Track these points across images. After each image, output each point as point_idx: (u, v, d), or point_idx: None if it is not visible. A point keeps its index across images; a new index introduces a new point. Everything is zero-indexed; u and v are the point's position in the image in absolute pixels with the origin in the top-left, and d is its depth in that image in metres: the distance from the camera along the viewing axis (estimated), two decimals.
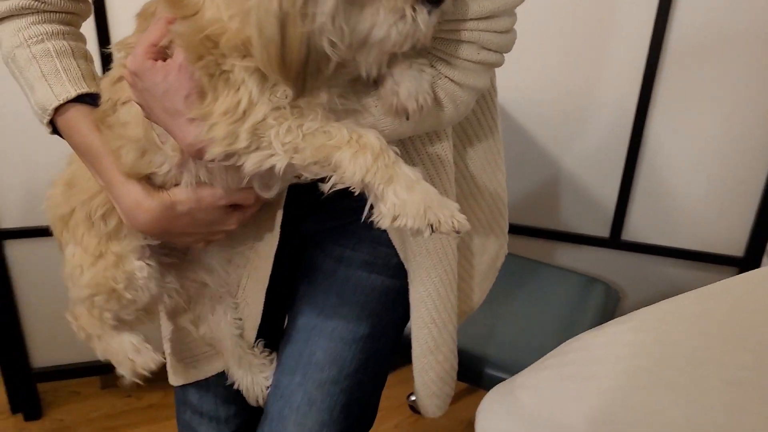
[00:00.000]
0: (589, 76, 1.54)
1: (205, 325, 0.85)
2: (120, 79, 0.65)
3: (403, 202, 0.56)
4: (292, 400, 0.79)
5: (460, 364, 0.90)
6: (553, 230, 1.70)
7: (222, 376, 0.87)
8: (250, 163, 0.58)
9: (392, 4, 0.52)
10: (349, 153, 0.56)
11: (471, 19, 0.60)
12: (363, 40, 0.54)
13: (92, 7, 0.75)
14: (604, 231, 1.66)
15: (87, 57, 0.72)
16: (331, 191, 0.58)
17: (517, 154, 1.62)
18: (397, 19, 0.53)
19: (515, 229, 1.66)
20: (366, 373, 0.81)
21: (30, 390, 1.60)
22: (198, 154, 0.59)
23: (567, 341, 0.83)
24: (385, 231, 0.74)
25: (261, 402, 0.88)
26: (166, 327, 0.89)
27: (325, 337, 0.79)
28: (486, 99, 0.77)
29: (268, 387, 0.86)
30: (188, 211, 0.66)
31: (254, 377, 0.87)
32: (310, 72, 0.54)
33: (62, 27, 0.70)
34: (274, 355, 0.88)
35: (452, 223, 0.56)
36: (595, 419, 0.69)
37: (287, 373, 0.82)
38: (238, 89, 0.56)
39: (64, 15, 0.71)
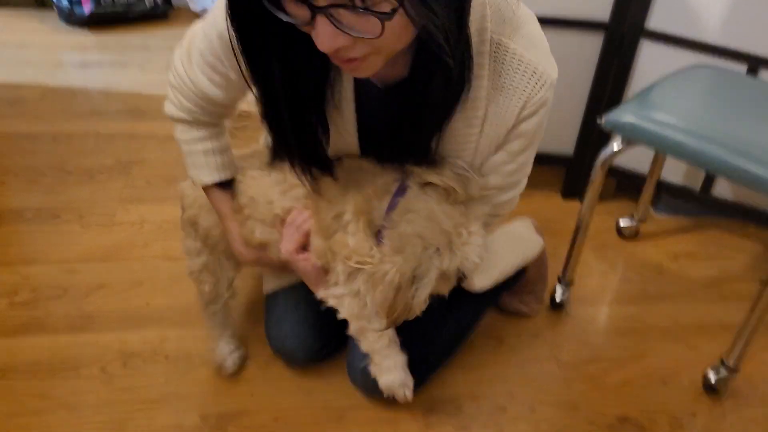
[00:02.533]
0: None
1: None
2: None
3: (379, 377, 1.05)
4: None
5: None
6: None
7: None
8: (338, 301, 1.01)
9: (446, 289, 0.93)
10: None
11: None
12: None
13: (236, 111, 1.07)
14: None
15: (223, 150, 1.07)
16: None
17: None
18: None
19: None
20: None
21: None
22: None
23: None
24: None
25: None
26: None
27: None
28: None
29: None
30: (267, 263, 1.10)
31: None
32: (402, 317, 0.90)
33: (209, 131, 1.04)
34: None
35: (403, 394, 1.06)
36: None
37: None
38: (335, 272, 0.96)
39: (212, 121, 1.04)
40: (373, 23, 0.60)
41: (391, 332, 1.02)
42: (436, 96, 0.79)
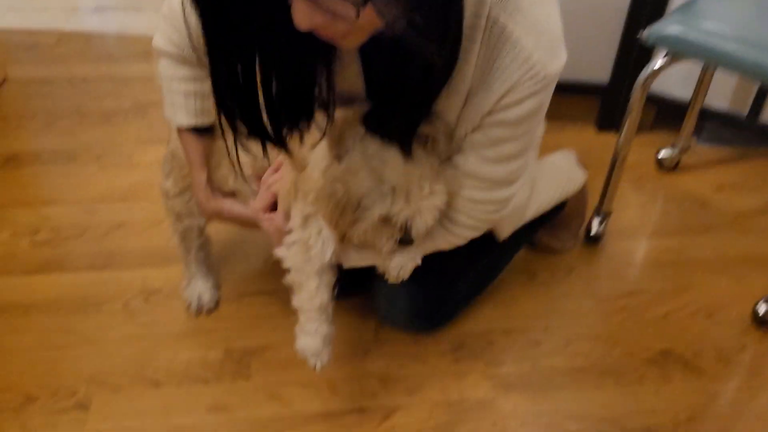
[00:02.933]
0: None
1: None
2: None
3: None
4: None
5: None
6: None
7: None
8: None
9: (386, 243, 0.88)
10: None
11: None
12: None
13: None
14: None
15: (205, 95, 1.00)
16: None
17: None
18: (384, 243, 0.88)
19: None
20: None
21: None
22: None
23: None
24: None
25: None
26: None
27: None
28: None
29: None
30: (228, 218, 1.07)
31: None
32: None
33: (194, 72, 0.98)
34: None
35: None
36: None
37: None
38: (294, 213, 0.93)
39: (197, 60, 0.96)
40: (349, 6, 0.58)
41: (324, 298, 0.94)
42: (416, 88, 0.75)
